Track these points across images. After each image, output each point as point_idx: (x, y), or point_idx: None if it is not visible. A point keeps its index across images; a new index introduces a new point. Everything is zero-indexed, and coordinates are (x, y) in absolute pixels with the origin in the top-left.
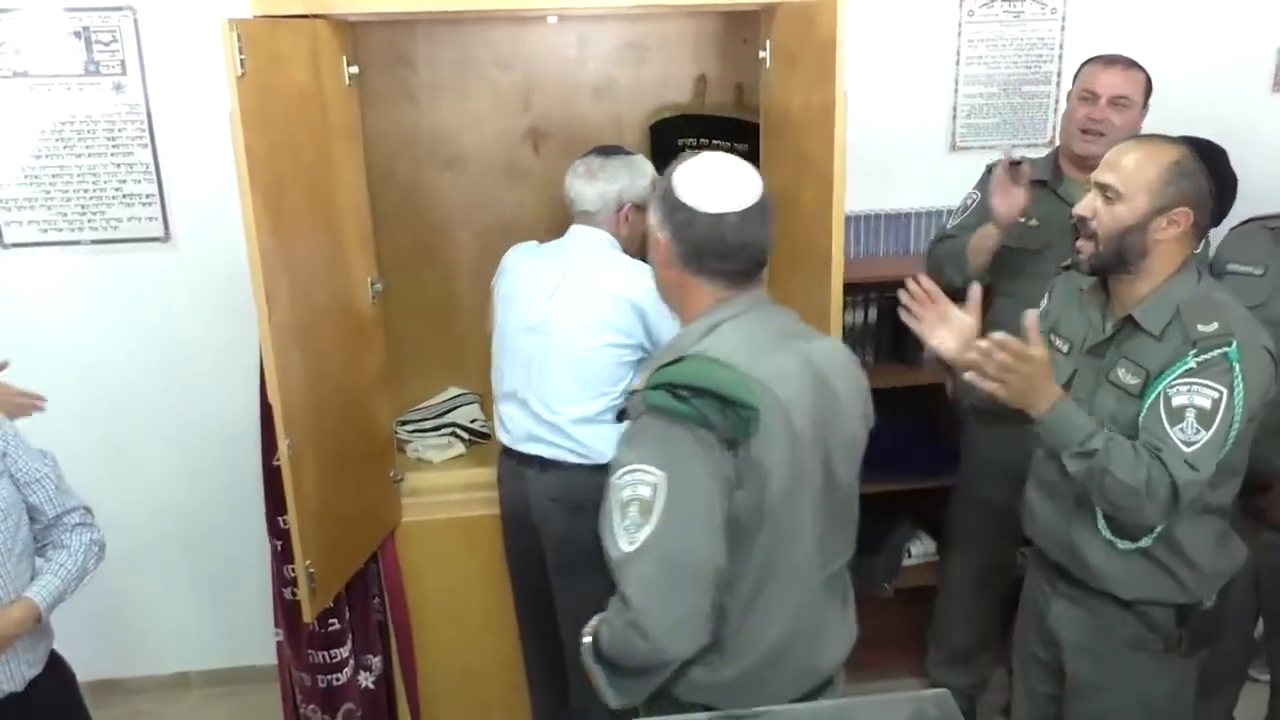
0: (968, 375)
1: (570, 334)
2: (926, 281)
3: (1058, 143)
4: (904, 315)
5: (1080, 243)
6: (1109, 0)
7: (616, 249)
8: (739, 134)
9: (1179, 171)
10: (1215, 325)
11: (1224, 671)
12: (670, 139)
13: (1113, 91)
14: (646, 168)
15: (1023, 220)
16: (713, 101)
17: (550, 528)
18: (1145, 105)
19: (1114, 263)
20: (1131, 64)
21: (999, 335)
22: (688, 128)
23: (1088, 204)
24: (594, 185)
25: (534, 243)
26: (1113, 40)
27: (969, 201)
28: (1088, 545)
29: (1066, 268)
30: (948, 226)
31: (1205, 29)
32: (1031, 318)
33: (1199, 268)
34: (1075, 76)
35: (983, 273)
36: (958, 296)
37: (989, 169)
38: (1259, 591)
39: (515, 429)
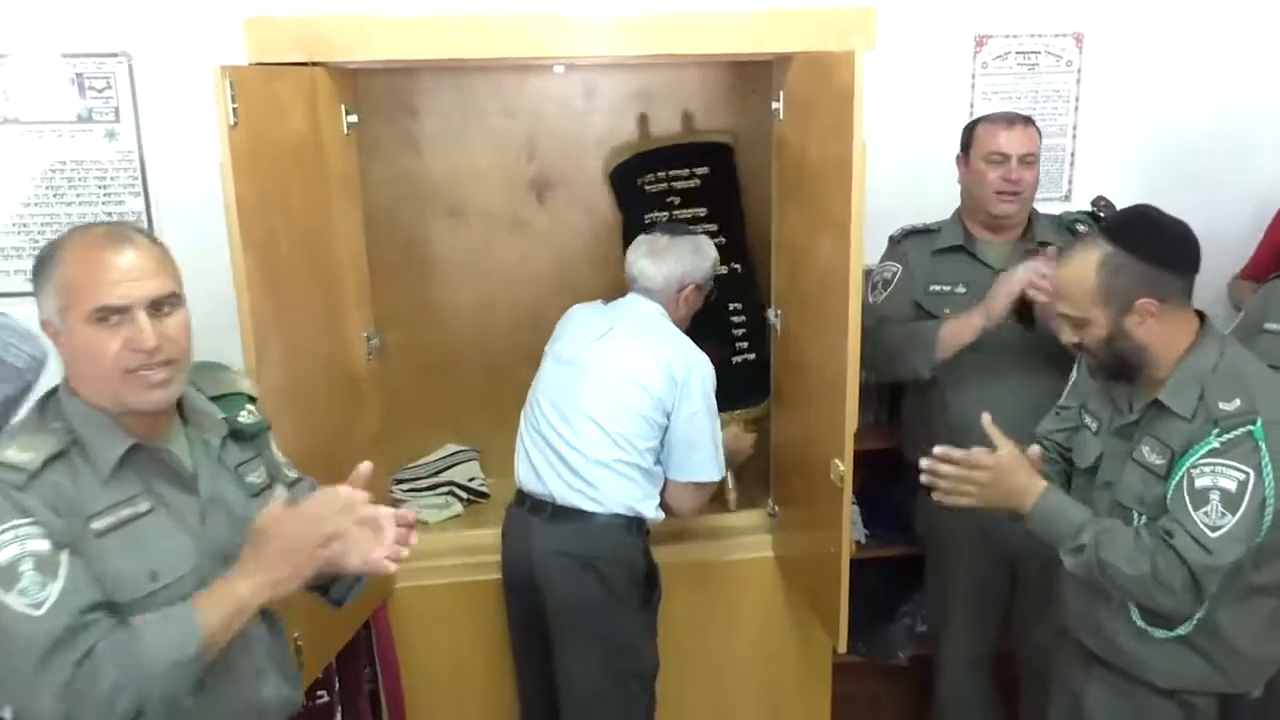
0: (934, 496)
1: (604, 377)
2: (945, 450)
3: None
4: (940, 498)
5: (1085, 358)
6: (1124, 52)
7: (667, 320)
8: (697, 158)
9: (1109, 270)
10: (1238, 402)
11: None
12: (631, 181)
13: (1022, 150)
14: (710, 250)
15: (948, 288)
16: (661, 133)
17: (553, 586)
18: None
19: (1123, 366)
20: (1028, 119)
21: (939, 449)
22: (642, 167)
23: (1066, 335)
24: (659, 266)
25: (599, 301)
26: (1128, 92)
27: (889, 275)
28: (1121, 632)
29: None
30: (875, 302)
31: (1223, 82)
32: (988, 419)
33: (1220, 336)
34: (969, 139)
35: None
36: (927, 389)
37: (895, 240)
38: None
39: (536, 463)
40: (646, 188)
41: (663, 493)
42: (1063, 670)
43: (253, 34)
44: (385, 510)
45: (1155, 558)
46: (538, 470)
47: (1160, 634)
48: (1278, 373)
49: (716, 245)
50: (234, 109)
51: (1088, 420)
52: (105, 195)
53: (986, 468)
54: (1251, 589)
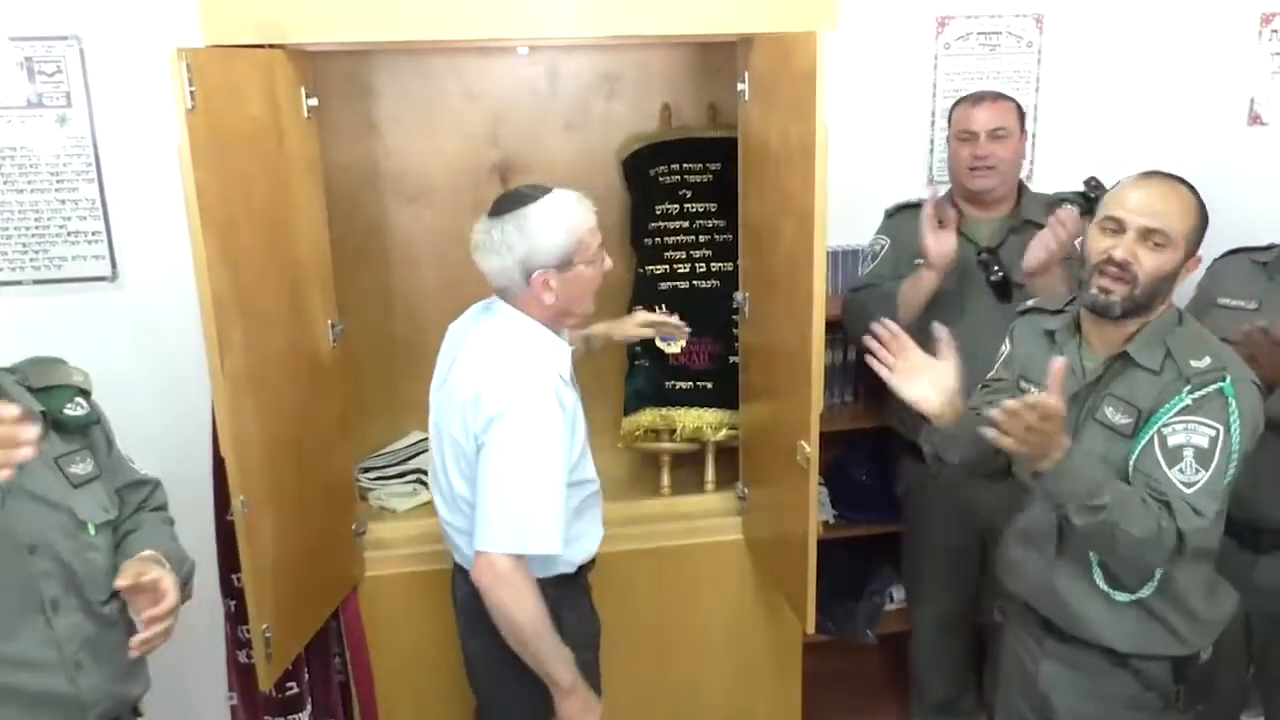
0: (989, 433)
1: (441, 427)
2: (893, 325)
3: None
4: (873, 364)
5: (1110, 284)
6: (1084, 33)
7: (523, 330)
8: (709, 154)
9: (1202, 216)
10: (1208, 360)
11: None
12: (644, 171)
13: (988, 126)
14: (547, 217)
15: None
16: (682, 125)
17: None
18: (1023, 131)
19: (1144, 307)
20: (999, 96)
21: (1032, 396)
22: (656, 158)
23: (1129, 248)
24: (490, 261)
25: (479, 305)
26: (1088, 72)
27: (878, 248)
28: (1078, 599)
29: (1023, 312)
30: (861, 275)
31: (1181, 62)
32: (1058, 364)
33: (1175, 307)
34: (949, 119)
35: (912, 321)
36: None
37: (889, 213)
38: (1249, 635)
39: None
40: (660, 179)
41: None
42: (1014, 647)
43: (209, 15)
44: None
45: (1160, 520)
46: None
47: (1122, 598)
48: (1226, 344)
49: (724, 243)
50: (191, 92)
51: (1031, 389)
52: (58, 182)
53: (1060, 417)
54: (1198, 551)
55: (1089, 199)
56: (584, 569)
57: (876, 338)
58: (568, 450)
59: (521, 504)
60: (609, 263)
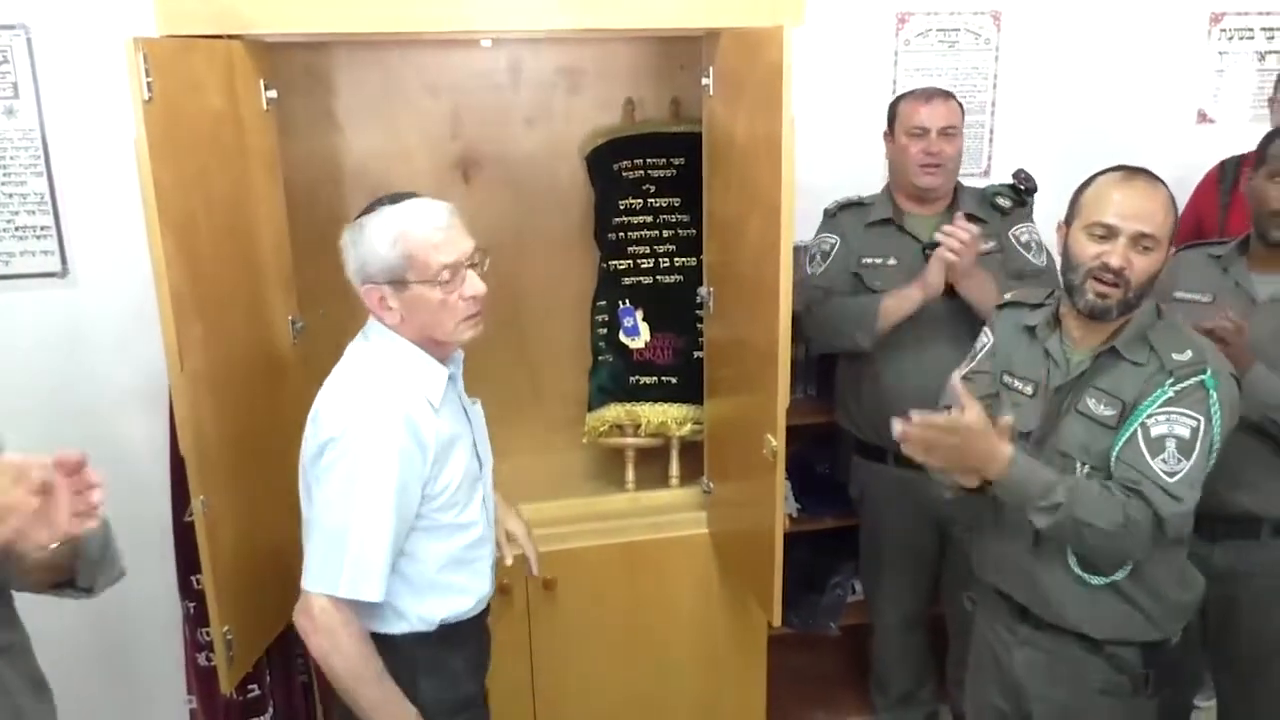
0: (904, 449)
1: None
2: (925, 418)
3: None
4: (910, 452)
5: (1106, 289)
6: (1041, 30)
7: (384, 347)
8: (672, 148)
9: (1177, 211)
10: (1189, 353)
11: (1177, 706)
12: (607, 165)
13: (942, 123)
14: (379, 229)
15: (879, 260)
16: (645, 119)
17: None
18: (962, 131)
19: (1133, 306)
20: (948, 94)
21: (918, 416)
22: (619, 152)
23: (1123, 254)
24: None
25: None
26: (1045, 69)
27: (827, 247)
28: (1056, 586)
29: (1003, 306)
30: (814, 274)
31: (1135, 61)
32: (957, 379)
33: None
34: (893, 115)
35: (884, 334)
36: (858, 357)
37: (830, 213)
38: (1204, 619)
39: None
40: (624, 173)
41: None
42: (985, 635)
43: (164, 4)
44: (41, 461)
45: (1126, 509)
46: None
47: (1096, 581)
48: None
49: (688, 238)
50: (148, 83)
51: (1017, 384)
52: (5, 175)
53: (967, 430)
54: (1176, 538)
55: (1019, 191)
56: (463, 626)
57: (905, 435)
58: (413, 484)
59: (338, 542)
60: (475, 287)
